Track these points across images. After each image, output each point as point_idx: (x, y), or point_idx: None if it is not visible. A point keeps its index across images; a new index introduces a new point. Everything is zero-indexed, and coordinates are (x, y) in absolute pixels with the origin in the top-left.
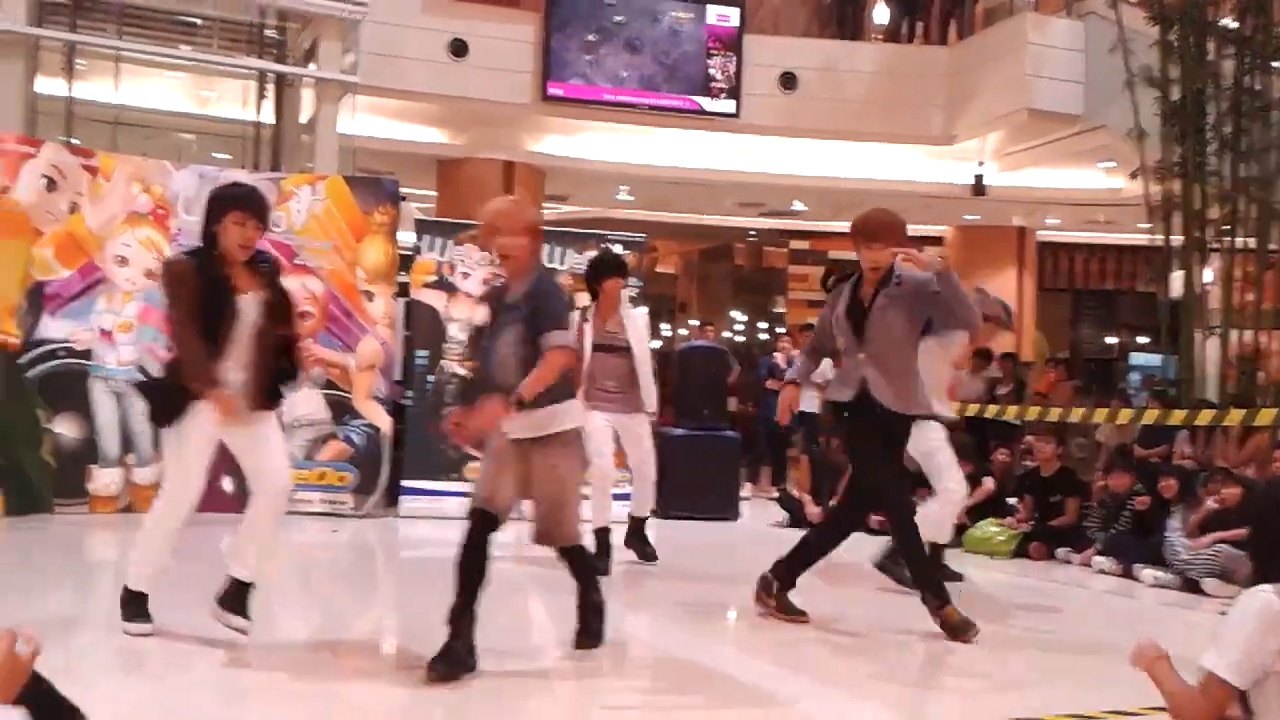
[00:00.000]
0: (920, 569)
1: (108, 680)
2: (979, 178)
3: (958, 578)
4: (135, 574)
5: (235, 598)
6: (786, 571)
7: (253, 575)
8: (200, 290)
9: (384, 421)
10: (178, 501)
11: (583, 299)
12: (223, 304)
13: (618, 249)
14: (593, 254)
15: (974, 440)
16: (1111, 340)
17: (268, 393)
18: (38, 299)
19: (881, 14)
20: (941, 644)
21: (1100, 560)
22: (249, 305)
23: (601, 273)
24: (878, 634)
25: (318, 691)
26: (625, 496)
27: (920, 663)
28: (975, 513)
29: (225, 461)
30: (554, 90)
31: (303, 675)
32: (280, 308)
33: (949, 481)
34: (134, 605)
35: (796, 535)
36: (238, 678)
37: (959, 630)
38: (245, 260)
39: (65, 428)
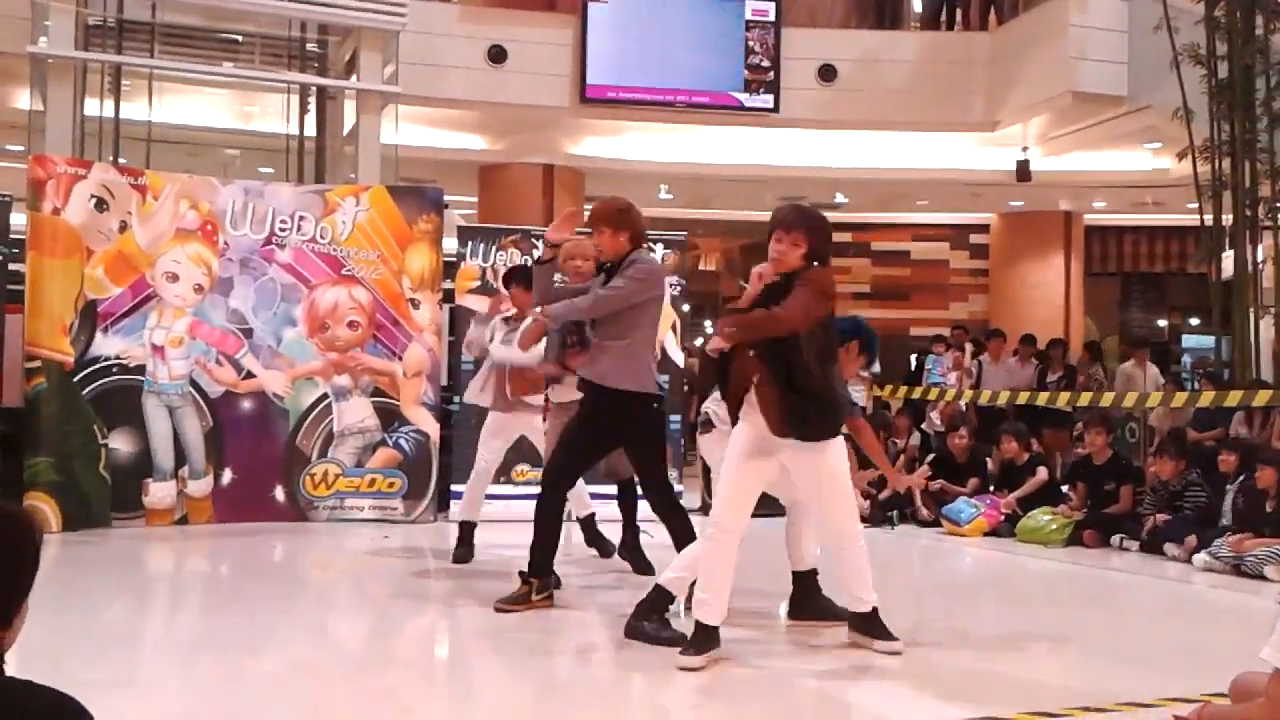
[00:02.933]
0: (543, 546)
1: (162, 690)
2: (1023, 163)
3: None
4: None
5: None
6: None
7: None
8: None
9: (432, 427)
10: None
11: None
12: None
13: (659, 248)
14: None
15: (1026, 428)
16: (1162, 323)
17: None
18: (90, 317)
19: (919, 2)
20: (995, 636)
21: (1169, 547)
22: None
23: (515, 282)
24: (916, 629)
25: (371, 693)
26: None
27: (969, 654)
28: (1028, 501)
29: (277, 473)
30: (592, 92)
31: (356, 679)
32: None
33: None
34: (702, 638)
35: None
36: (291, 685)
37: (511, 600)
38: None
39: (120, 443)
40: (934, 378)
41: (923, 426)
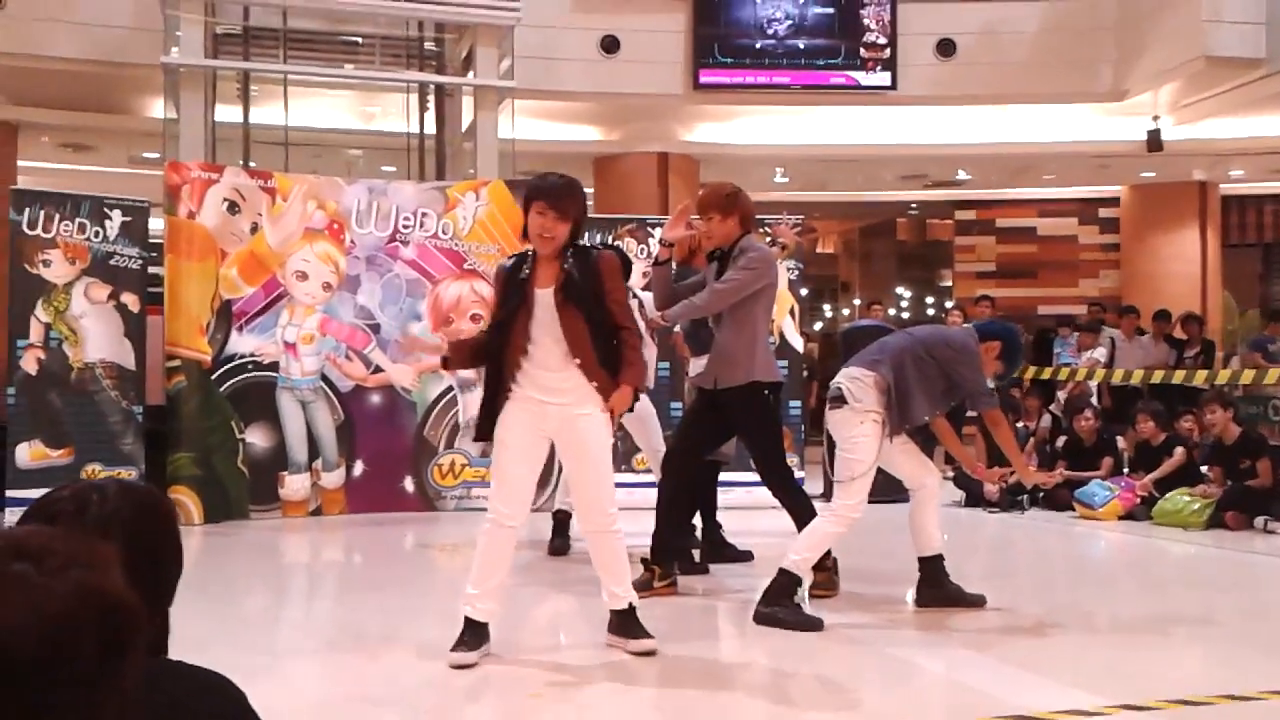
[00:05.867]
0: (665, 533)
1: (304, 676)
2: (1154, 133)
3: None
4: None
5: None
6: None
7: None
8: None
9: None
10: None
11: None
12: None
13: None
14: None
15: (1163, 408)
16: None
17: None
18: (226, 316)
19: None
20: (1131, 622)
21: None
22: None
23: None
24: (1048, 615)
25: (502, 678)
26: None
27: (1103, 641)
28: (1165, 483)
29: (406, 464)
30: (706, 78)
31: (487, 664)
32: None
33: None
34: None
35: (974, 515)
36: (425, 670)
37: (635, 587)
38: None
39: (256, 437)
40: (1064, 358)
41: (1052, 408)
